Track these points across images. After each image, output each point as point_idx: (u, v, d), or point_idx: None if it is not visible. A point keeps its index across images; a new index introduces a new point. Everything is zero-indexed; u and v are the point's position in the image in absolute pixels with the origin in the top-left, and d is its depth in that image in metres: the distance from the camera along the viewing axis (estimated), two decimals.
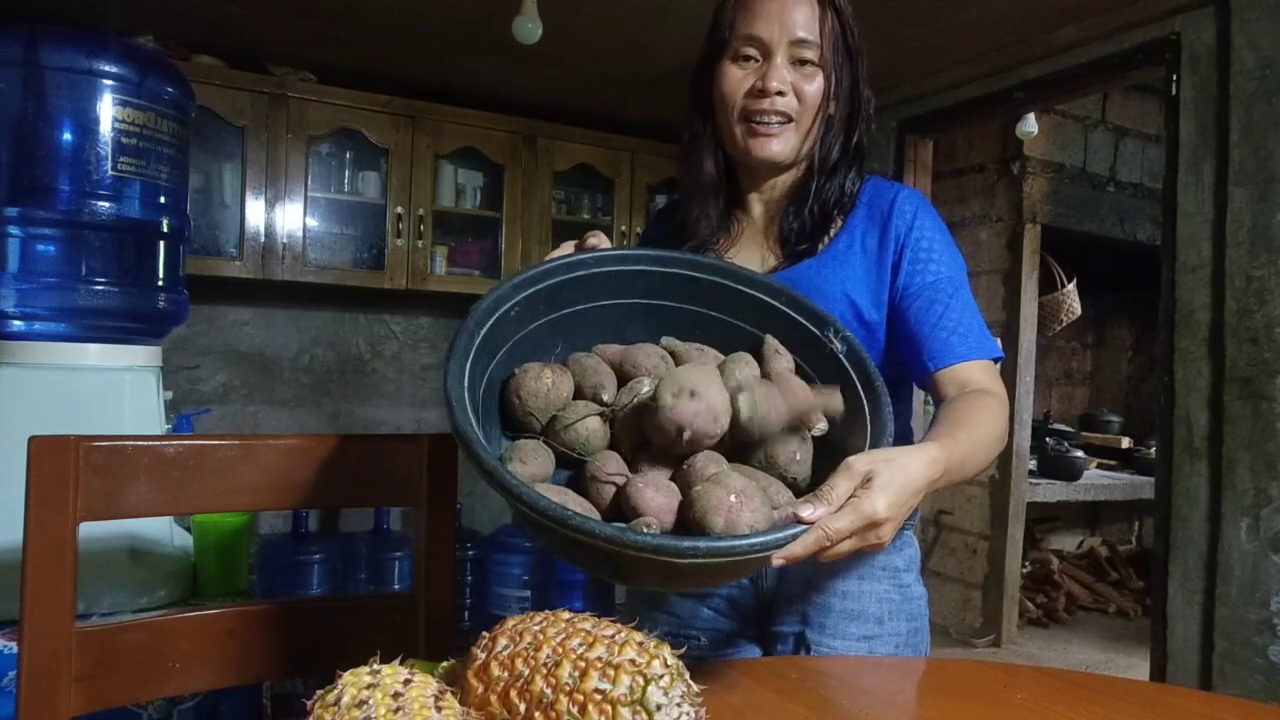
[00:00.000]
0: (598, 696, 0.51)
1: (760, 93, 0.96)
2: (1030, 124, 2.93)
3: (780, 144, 0.98)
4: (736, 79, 0.97)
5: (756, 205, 1.06)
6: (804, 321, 0.88)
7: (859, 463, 0.70)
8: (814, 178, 1.01)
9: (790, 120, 0.97)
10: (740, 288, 0.91)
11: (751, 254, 1.04)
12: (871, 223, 1.03)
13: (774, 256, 1.03)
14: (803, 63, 0.96)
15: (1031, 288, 3.17)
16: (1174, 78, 2.09)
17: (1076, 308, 3.46)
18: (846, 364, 0.85)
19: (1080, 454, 3.63)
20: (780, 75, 0.95)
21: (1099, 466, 3.86)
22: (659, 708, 0.50)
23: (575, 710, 0.51)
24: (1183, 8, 2.06)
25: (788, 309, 0.89)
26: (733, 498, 0.69)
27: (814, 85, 0.97)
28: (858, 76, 1.01)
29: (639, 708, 0.50)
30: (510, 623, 0.59)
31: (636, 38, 2.48)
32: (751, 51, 0.97)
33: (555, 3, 2.23)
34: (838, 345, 0.86)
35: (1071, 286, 3.43)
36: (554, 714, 0.51)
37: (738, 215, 1.06)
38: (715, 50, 1.00)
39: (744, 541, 0.63)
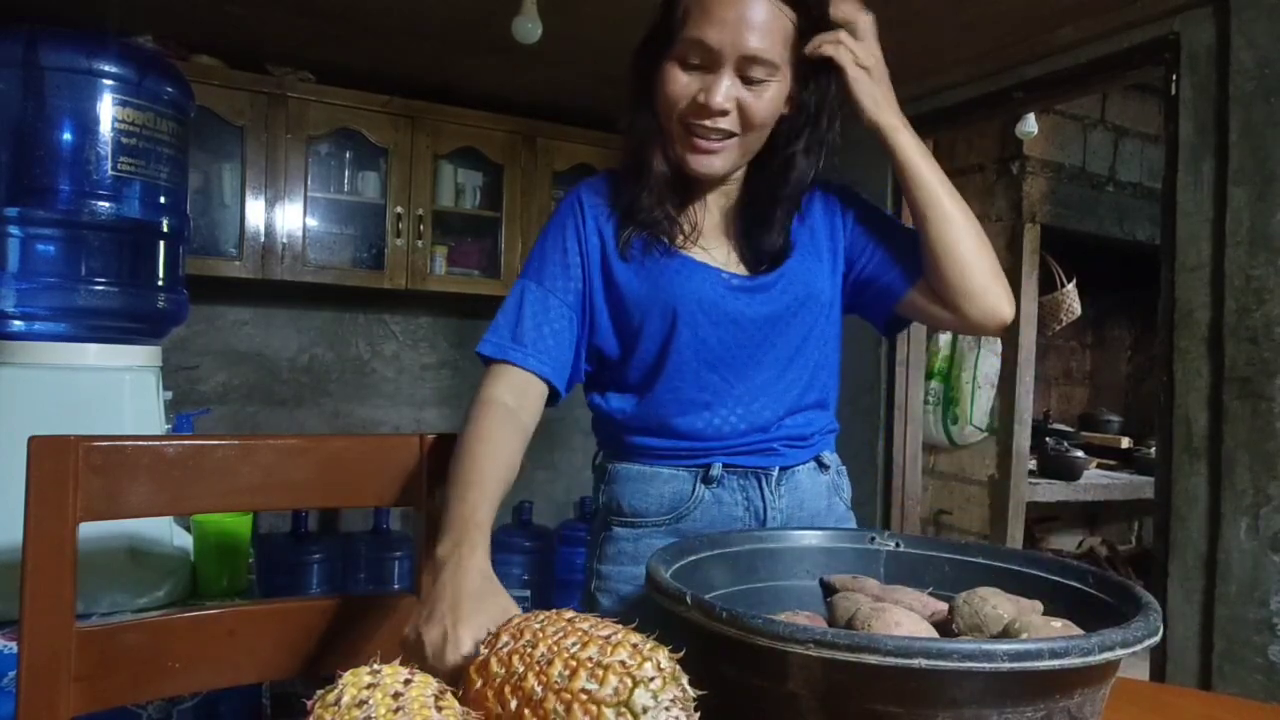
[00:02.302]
0: (584, 696, 0.50)
1: (701, 108, 0.91)
2: (1030, 124, 2.93)
3: (720, 160, 0.96)
4: (680, 86, 0.92)
5: (714, 197, 1.05)
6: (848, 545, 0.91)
7: None
8: (774, 192, 1.00)
9: (732, 136, 0.94)
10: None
11: (719, 250, 1.03)
12: (820, 215, 1.07)
13: (739, 253, 1.03)
14: (751, 80, 0.91)
15: (1031, 288, 3.17)
16: (1173, 78, 2.09)
17: (1076, 307, 3.45)
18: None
19: (1080, 454, 3.63)
20: (724, 92, 0.90)
21: (1099, 466, 3.86)
22: (645, 710, 0.49)
23: (561, 709, 0.50)
24: (1182, 8, 2.06)
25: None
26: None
27: (761, 102, 0.92)
28: (827, 83, 0.97)
29: (624, 709, 0.50)
30: (515, 620, 0.59)
31: (636, 38, 2.48)
32: (699, 60, 0.91)
33: (555, 3, 2.23)
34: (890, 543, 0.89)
35: (1071, 286, 3.43)
36: (542, 712, 0.51)
37: (695, 207, 1.03)
38: (663, 40, 0.94)
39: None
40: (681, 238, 1.01)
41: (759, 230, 1.01)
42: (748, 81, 0.91)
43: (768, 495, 1.04)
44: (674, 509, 1.04)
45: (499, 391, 0.95)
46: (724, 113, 0.92)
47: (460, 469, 0.85)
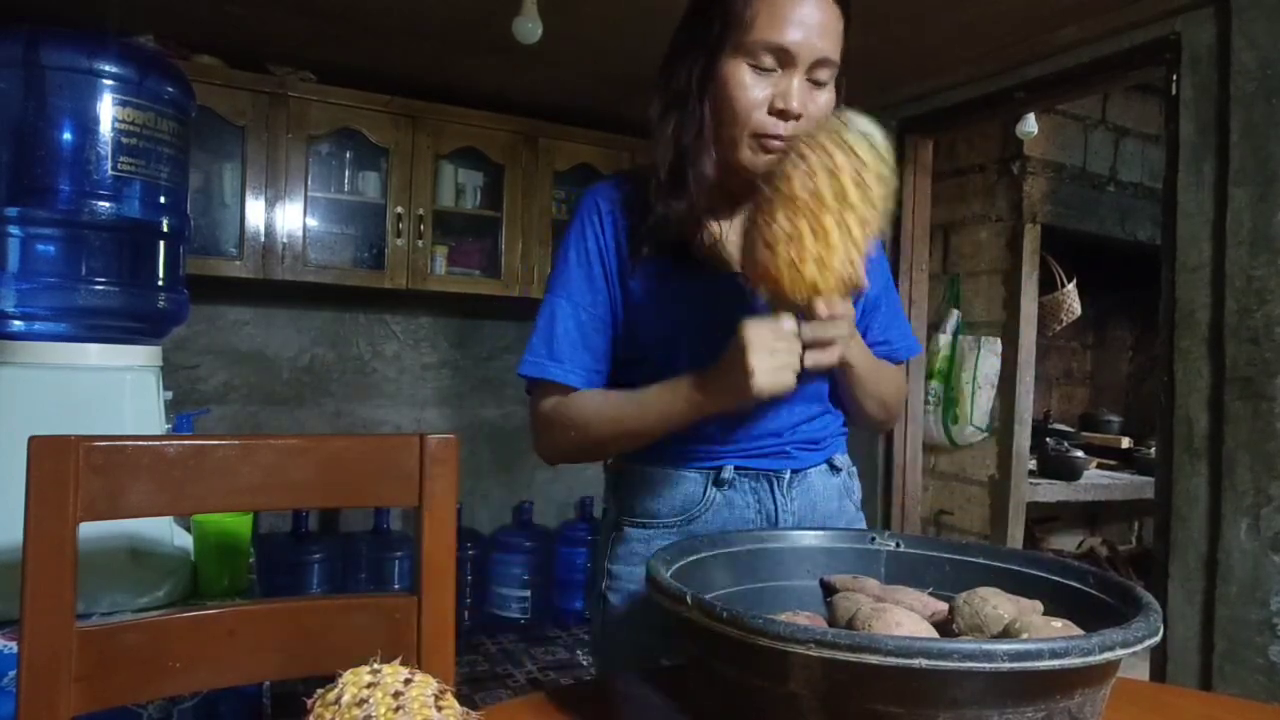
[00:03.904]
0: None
1: (781, 113, 0.91)
2: (1030, 124, 2.93)
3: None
4: (754, 90, 0.91)
5: (743, 198, 1.03)
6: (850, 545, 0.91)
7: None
8: None
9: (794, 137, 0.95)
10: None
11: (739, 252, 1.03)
12: None
13: None
14: (817, 82, 0.93)
15: (1031, 288, 3.16)
16: (1174, 78, 2.09)
17: (1076, 308, 3.45)
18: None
19: (1080, 454, 3.62)
20: (800, 96, 0.91)
21: (1099, 466, 3.85)
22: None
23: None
24: (1183, 8, 2.06)
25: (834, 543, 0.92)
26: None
27: (820, 103, 0.94)
28: (842, 80, 0.99)
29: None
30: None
31: (636, 38, 2.48)
32: (771, 63, 0.91)
33: (555, 3, 2.23)
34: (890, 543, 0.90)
35: (1071, 286, 3.42)
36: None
37: (724, 210, 1.03)
38: (725, 42, 0.92)
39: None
40: (705, 249, 1.00)
41: None
42: (813, 83, 0.93)
43: (779, 498, 1.04)
44: (685, 511, 1.03)
45: (572, 398, 1.02)
46: (799, 116, 0.91)
47: (620, 414, 0.99)
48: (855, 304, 1.08)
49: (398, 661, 0.55)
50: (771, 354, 0.84)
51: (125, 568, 1.22)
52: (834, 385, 1.09)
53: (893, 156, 0.82)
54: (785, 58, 0.90)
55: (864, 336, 1.09)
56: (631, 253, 1.01)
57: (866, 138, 0.80)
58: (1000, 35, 2.41)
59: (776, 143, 0.92)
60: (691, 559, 0.80)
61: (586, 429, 1.00)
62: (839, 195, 0.79)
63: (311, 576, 2.97)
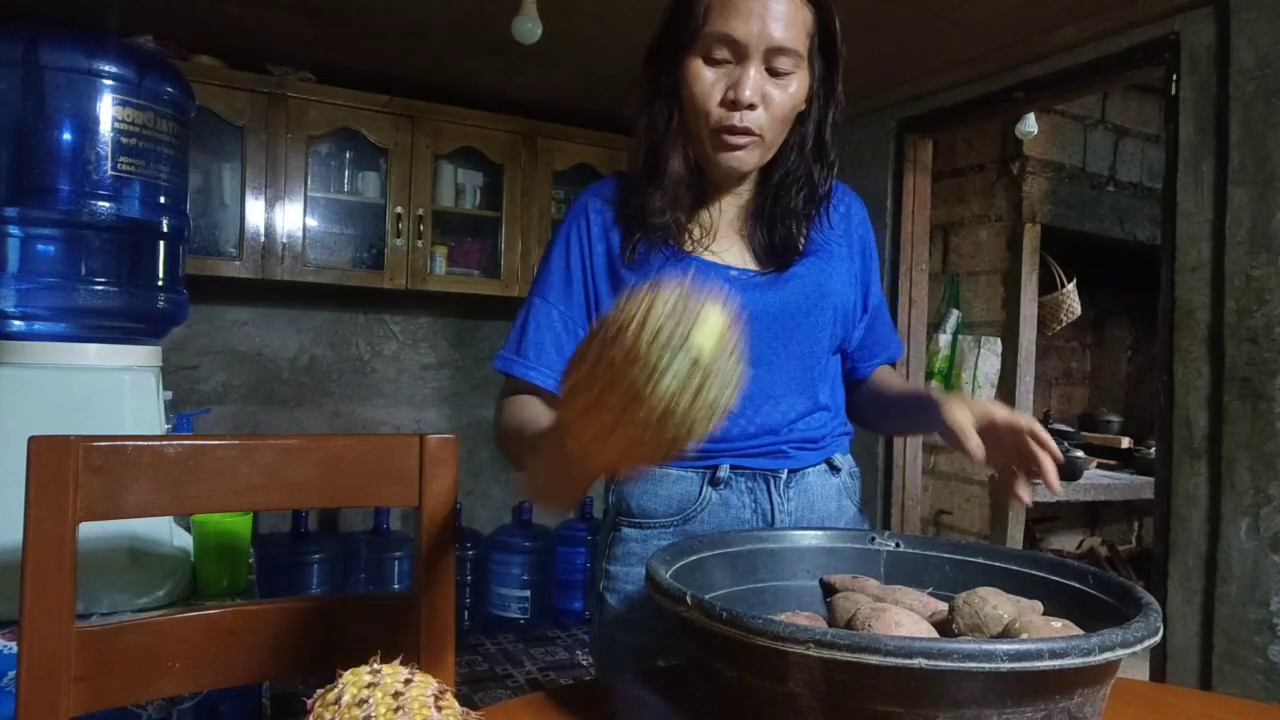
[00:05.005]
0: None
1: (732, 104, 0.92)
2: (1030, 124, 2.93)
3: (747, 156, 0.96)
4: (708, 83, 0.93)
5: (729, 197, 1.04)
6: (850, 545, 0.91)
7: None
8: (792, 187, 1.00)
9: (758, 135, 0.94)
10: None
11: (733, 250, 1.03)
12: (837, 221, 1.07)
13: (752, 252, 1.03)
14: (777, 72, 0.92)
15: (1031, 288, 3.17)
16: (1173, 78, 2.09)
17: (1076, 308, 3.45)
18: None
19: (1080, 454, 3.62)
20: (754, 85, 0.91)
21: (1099, 466, 3.85)
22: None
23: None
24: (1182, 8, 2.06)
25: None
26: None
27: (785, 95, 0.93)
28: (835, 78, 0.98)
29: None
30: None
31: (636, 38, 2.47)
32: (725, 54, 0.92)
33: (555, 3, 2.23)
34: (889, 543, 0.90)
35: (1071, 286, 3.42)
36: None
37: (709, 209, 1.03)
38: (684, 38, 0.94)
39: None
40: (691, 242, 1.00)
41: (782, 224, 1.02)
42: (774, 74, 0.92)
43: (776, 498, 1.03)
44: (681, 510, 1.03)
45: (510, 400, 1.01)
46: (753, 106, 0.92)
47: (522, 435, 0.93)
48: (860, 320, 1.11)
49: (398, 661, 0.55)
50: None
51: (125, 568, 1.22)
52: (850, 400, 1.11)
53: (727, 344, 0.63)
54: (737, 49, 0.91)
55: (866, 345, 1.11)
56: (623, 250, 1.01)
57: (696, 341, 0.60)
58: (1000, 35, 2.41)
59: (733, 136, 0.93)
60: (691, 559, 0.80)
61: (504, 437, 0.99)
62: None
63: (311, 576, 2.97)
